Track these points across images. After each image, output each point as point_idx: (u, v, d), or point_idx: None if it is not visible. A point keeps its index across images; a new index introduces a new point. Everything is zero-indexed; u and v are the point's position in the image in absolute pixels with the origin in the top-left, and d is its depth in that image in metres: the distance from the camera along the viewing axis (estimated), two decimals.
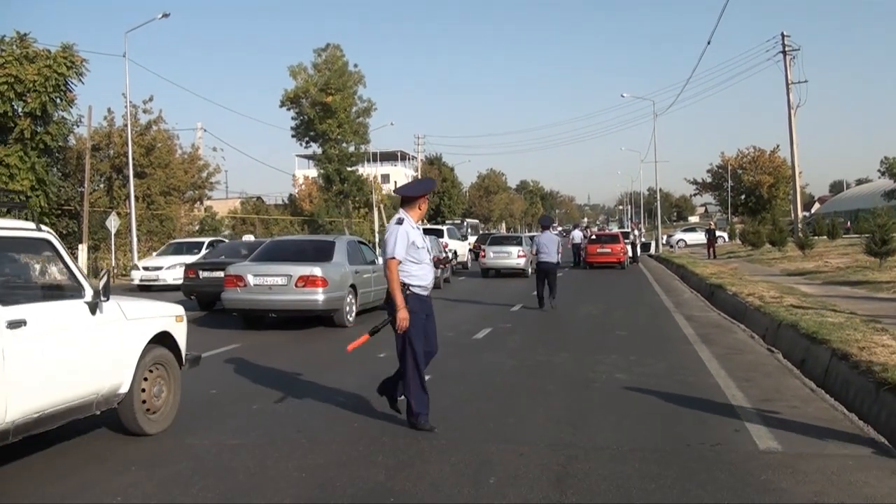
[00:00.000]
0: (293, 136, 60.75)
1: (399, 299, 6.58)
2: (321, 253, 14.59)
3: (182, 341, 7.44)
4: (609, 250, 34.66)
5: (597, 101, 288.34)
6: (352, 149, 61.39)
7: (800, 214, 42.79)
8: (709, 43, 46.69)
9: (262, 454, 6.16)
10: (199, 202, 48.63)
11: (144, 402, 6.76)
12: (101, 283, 6.29)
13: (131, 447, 6.44)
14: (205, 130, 52.08)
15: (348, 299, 14.42)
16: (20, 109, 30.93)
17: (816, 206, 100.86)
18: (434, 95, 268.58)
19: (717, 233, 47.35)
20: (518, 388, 8.76)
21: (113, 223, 32.87)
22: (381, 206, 64.38)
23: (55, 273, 6.70)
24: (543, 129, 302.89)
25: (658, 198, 66.11)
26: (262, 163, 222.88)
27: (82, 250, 32.27)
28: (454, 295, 22.34)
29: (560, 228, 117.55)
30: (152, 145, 40.83)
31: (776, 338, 11.57)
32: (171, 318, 7.34)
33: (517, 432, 6.74)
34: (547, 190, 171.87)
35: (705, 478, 5.45)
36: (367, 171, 67.71)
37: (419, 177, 71.55)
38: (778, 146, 72.89)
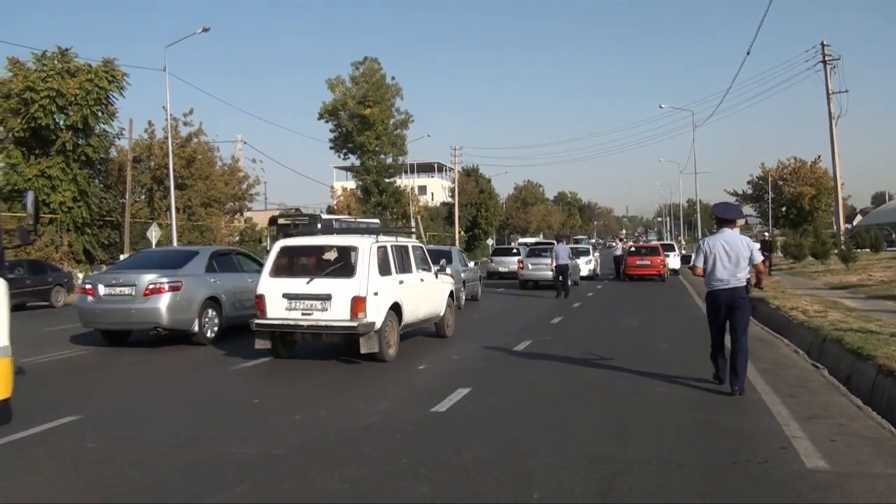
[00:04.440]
0: (331, 147, 61.26)
1: (764, 283, 10.02)
2: (443, 258, 18.93)
3: (454, 294, 14.91)
4: (649, 262, 34.31)
5: (636, 111, 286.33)
6: (389, 160, 61.70)
7: (842, 226, 42.14)
8: (748, 53, 46.43)
9: (305, 464, 6.21)
10: (239, 213, 49.11)
11: (446, 322, 14.17)
12: (438, 267, 14.26)
13: (174, 455, 6.52)
14: (244, 143, 52.69)
15: (462, 288, 21.29)
16: (62, 122, 31.55)
17: (858, 218, 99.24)
18: (471, 107, 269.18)
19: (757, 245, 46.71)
20: (559, 400, 8.74)
21: (154, 234, 33.31)
22: (419, 217, 64.55)
23: (417, 259, 13.25)
24: (582, 139, 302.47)
25: (698, 209, 65.59)
26: (301, 174, 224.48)
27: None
28: (491, 307, 22.36)
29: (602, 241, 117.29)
30: (193, 157, 41.32)
31: (821, 353, 11.41)
32: (452, 283, 15.02)
33: (560, 445, 6.71)
34: (584, 201, 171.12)
35: (752, 496, 5.39)
36: (405, 182, 67.98)
37: (455, 188, 71.80)
38: (819, 157, 72.21)
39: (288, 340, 11.82)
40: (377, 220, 37.22)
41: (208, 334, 13.80)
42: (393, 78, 61.04)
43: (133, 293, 13.23)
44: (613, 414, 8.00)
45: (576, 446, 6.68)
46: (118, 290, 13.39)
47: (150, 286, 13.16)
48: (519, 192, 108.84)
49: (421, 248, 13.95)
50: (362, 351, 11.00)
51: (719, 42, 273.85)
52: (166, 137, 37.26)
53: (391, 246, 12.17)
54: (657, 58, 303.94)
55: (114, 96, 33.24)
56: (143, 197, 41.48)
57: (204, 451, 6.68)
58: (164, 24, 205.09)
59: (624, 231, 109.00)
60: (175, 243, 34.23)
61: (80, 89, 31.06)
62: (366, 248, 11.28)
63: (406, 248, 12.96)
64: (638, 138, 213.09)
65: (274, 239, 29.52)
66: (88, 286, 13.95)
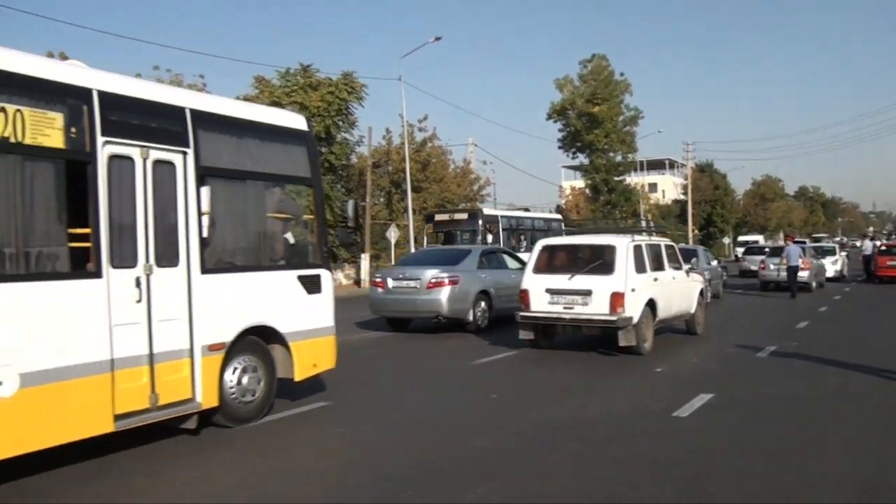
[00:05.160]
0: (560, 147, 61.26)
1: None
2: (691, 255, 20.27)
3: (703, 292, 15.08)
4: None
5: (882, 96, 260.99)
6: (618, 158, 60.85)
7: None
8: None
9: (542, 462, 6.34)
10: None
11: (696, 319, 14.52)
12: (690, 266, 14.80)
13: (413, 446, 6.85)
14: (475, 145, 53.79)
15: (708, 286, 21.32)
16: None
17: None
18: (704, 99, 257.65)
19: None
20: (810, 413, 8.28)
21: (393, 234, 34.90)
22: (649, 215, 63.19)
23: (669, 258, 13.57)
24: (824, 129, 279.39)
25: None
26: (530, 174, 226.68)
27: (364, 259, 34.54)
28: (732, 307, 21.56)
29: (845, 239, 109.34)
30: (427, 161, 42.81)
31: None
32: (702, 282, 15.33)
33: (810, 462, 6.37)
34: (828, 196, 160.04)
35: None
36: (635, 180, 66.80)
37: (689, 185, 69.53)
38: None
39: (549, 332, 12.82)
40: (559, 217, 36.71)
41: (480, 324, 15.53)
42: (622, 74, 60.09)
43: (418, 286, 15.30)
44: (869, 431, 7.48)
45: (828, 463, 6.31)
46: (404, 283, 15.56)
47: (433, 280, 15.17)
48: (757, 187, 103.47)
49: (673, 246, 14.45)
50: (620, 344, 11.69)
51: None
52: (403, 143, 38.85)
53: (645, 245, 12.83)
54: None
55: (353, 106, 35.10)
56: (381, 199, 43.53)
57: (443, 445, 6.97)
58: (398, 36, 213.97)
59: (871, 228, 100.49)
60: (412, 243, 35.64)
61: (322, 101, 33.04)
62: (623, 247, 12.10)
63: (659, 246, 13.58)
64: (883, 126, 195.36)
65: (431, 236, 30.02)
66: (378, 279, 16.31)
